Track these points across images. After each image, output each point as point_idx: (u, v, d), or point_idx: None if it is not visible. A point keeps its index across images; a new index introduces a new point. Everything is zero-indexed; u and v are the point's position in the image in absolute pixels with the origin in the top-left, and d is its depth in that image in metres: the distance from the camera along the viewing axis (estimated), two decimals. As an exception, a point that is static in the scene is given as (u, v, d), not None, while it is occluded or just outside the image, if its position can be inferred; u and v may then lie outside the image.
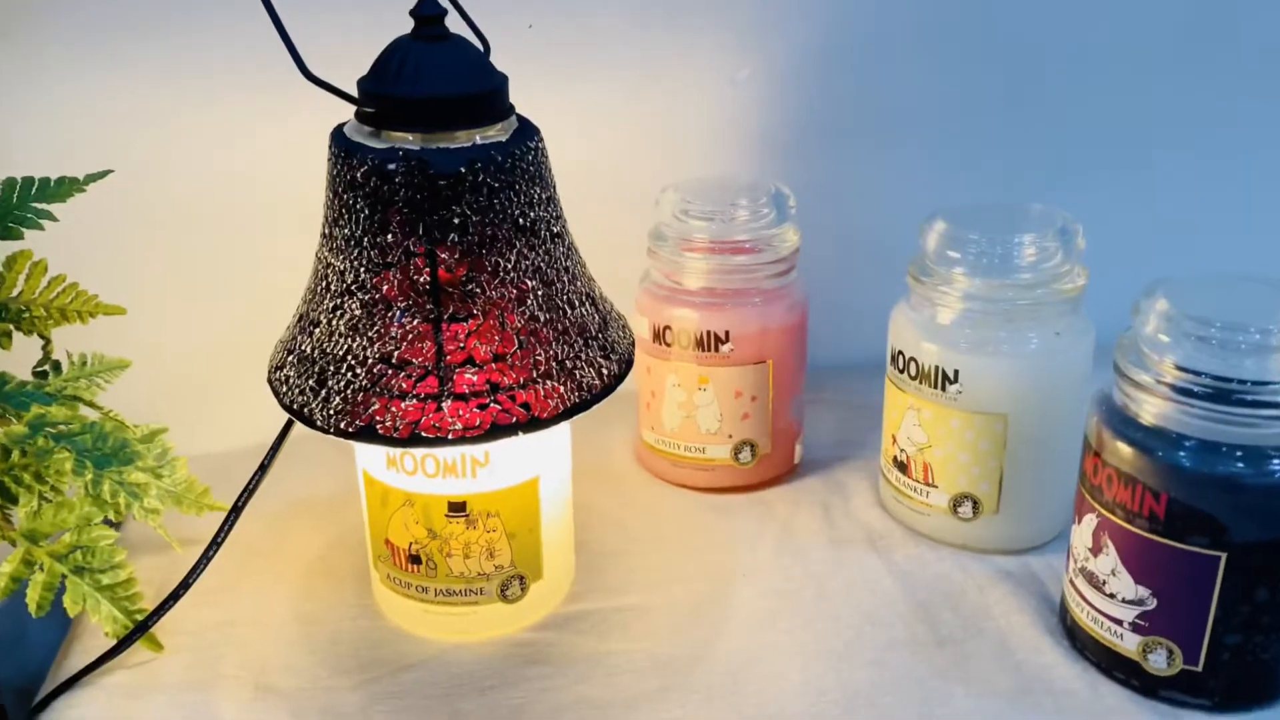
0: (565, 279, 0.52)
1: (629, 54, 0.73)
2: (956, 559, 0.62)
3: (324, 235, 0.51)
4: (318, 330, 0.50)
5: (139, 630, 0.54)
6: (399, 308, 0.48)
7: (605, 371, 0.52)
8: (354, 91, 0.49)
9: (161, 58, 0.68)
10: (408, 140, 0.48)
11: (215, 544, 0.55)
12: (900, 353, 0.62)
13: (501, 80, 0.50)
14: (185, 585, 0.55)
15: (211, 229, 0.71)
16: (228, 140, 0.70)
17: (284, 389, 0.51)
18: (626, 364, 0.54)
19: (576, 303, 0.52)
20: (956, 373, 0.59)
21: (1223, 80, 0.78)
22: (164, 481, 0.60)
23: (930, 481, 0.62)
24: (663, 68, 0.74)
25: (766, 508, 0.67)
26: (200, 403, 0.73)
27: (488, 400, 0.48)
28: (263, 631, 0.57)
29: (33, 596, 0.52)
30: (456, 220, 0.48)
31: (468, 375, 0.48)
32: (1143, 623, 0.51)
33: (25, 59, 0.67)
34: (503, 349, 0.49)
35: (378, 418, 0.48)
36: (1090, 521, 0.52)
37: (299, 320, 0.52)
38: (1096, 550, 0.52)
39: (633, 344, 0.56)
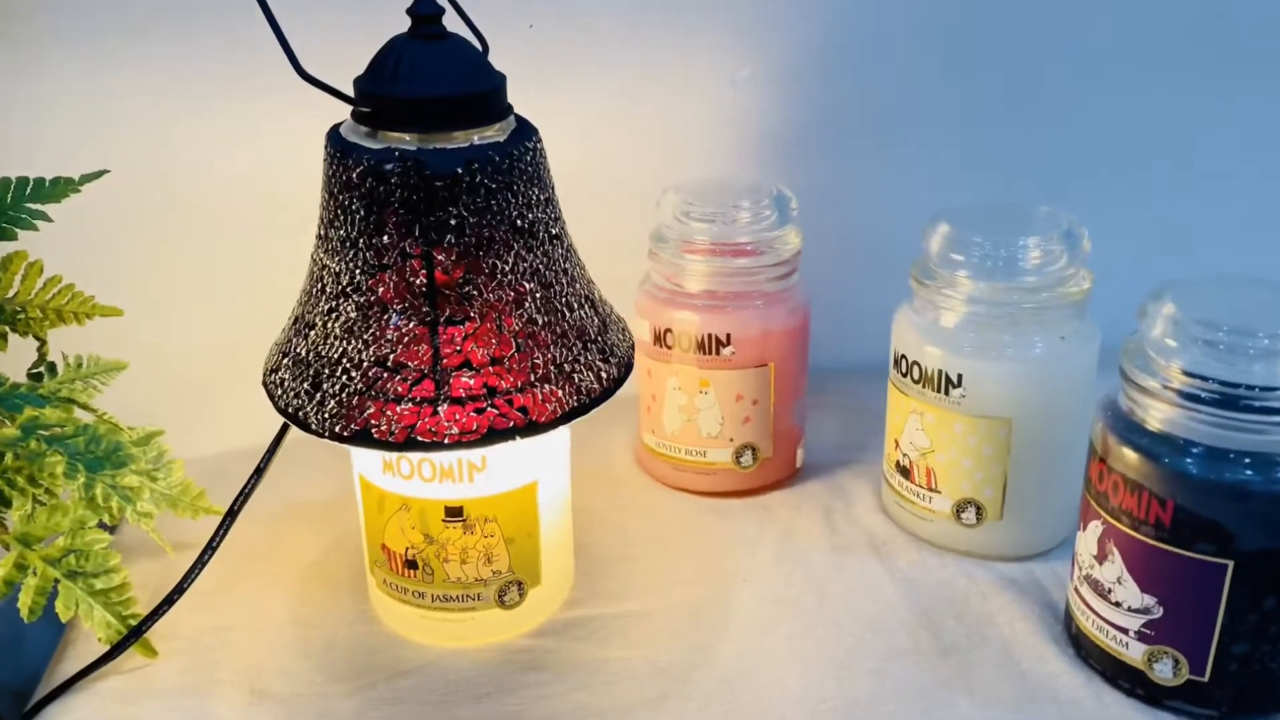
0: (564, 281, 0.51)
1: (629, 54, 0.73)
2: (960, 565, 0.61)
3: (319, 237, 0.50)
4: (313, 333, 0.50)
5: (133, 635, 0.54)
6: (395, 310, 0.48)
7: (604, 375, 0.51)
8: (350, 91, 0.49)
9: (159, 59, 0.67)
10: (404, 140, 0.47)
11: (210, 548, 0.55)
12: (903, 356, 0.61)
13: (499, 80, 0.50)
14: (179, 590, 0.54)
15: (210, 230, 0.71)
16: (226, 141, 0.69)
17: (279, 392, 0.50)
18: (626, 368, 0.53)
19: (575, 305, 0.51)
20: (960, 377, 0.58)
21: (1228, 81, 0.77)
22: (159, 484, 0.60)
23: (933, 487, 0.61)
24: (663, 68, 0.73)
25: (768, 512, 0.67)
26: (198, 404, 0.73)
27: (484, 404, 0.48)
28: (258, 636, 0.57)
29: (25, 601, 0.52)
30: (453, 222, 0.47)
31: (464, 379, 0.48)
32: (1148, 631, 0.50)
33: (24, 60, 0.66)
34: (500, 352, 0.48)
35: (373, 422, 0.47)
36: (1095, 528, 0.51)
37: (294, 323, 0.51)
38: (1102, 557, 0.51)
39: (632, 347, 0.55)
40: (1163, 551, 0.48)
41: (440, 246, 0.47)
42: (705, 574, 0.61)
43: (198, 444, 0.68)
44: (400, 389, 0.47)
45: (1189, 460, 0.47)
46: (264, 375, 0.52)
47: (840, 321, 0.74)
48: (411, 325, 0.47)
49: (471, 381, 0.48)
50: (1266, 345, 0.46)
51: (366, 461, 0.54)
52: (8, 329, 0.59)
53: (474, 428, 0.47)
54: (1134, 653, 0.51)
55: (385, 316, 0.48)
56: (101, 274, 0.63)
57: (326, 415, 0.48)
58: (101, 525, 0.54)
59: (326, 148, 0.49)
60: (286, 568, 0.62)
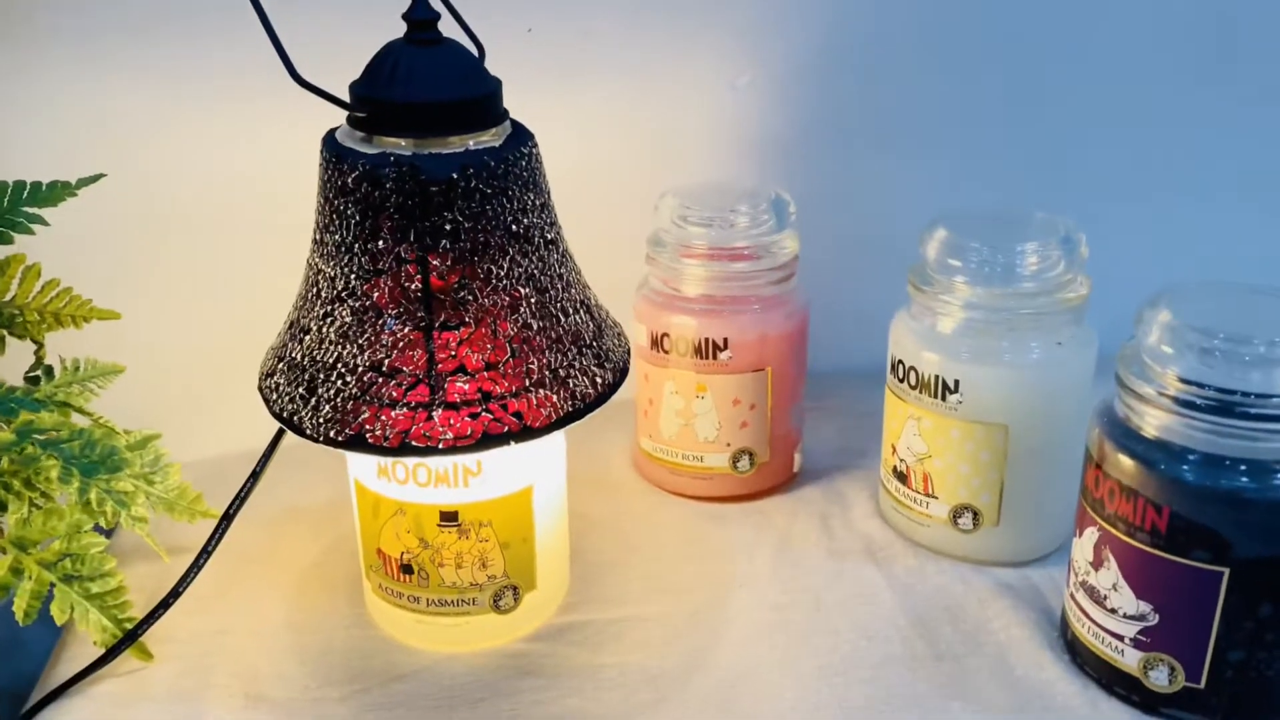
0: (559, 286, 0.51)
1: (628, 58, 0.73)
2: (956, 571, 0.61)
3: (315, 241, 0.50)
4: (308, 337, 0.50)
5: (128, 639, 0.54)
6: (390, 315, 0.48)
7: (599, 380, 0.51)
8: (346, 96, 0.49)
9: (157, 63, 0.67)
10: (400, 145, 0.47)
11: (206, 552, 0.55)
12: (900, 362, 0.61)
13: (495, 85, 0.50)
14: (175, 594, 0.54)
15: (208, 233, 0.71)
16: (225, 144, 0.69)
17: (274, 397, 0.50)
18: (621, 373, 0.53)
19: (570, 310, 0.51)
20: (957, 382, 0.58)
21: (1227, 87, 0.77)
22: (156, 488, 0.60)
23: (930, 492, 0.61)
24: (662, 72, 0.73)
25: (764, 517, 0.67)
26: (196, 407, 0.73)
27: (479, 409, 0.48)
28: (254, 640, 0.57)
29: (20, 605, 0.52)
30: (448, 227, 0.47)
31: (459, 384, 0.48)
32: (1144, 638, 0.50)
33: (23, 63, 0.66)
34: (495, 357, 0.48)
35: (367, 426, 0.47)
36: (1091, 535, 0.51)
37: (289, 327, 0.51)
38: (1098, 564, 0.51)
39: (628, 352, 0.55)
40: (1158, 558, 0.48)
41: (435, 251, 0.47)
42: (701, 579, 0.61)
43: (196, 447, 0.68)
44: (395, 394, 0.47)
45: (1185, 467, 0.47)
46: (260, 379, 0.52)
47: (840, 324, 0.74)
48: (406, 330, 0.47)
49: (466, 386, 0.48)
50: (1263, 352, 0.46)
51: (362, 466, 0.54)
52: (5, 332, 0.59)
53: (468, 433, 0.47)
54: (1130, 660, 0.51)
55: (380, 321, 0.48)
56: (99, 277, 0.63)
57: (321, 420, 0.48)
58: (98, 529, 0.54)
59: (322, 152, 0.49)
60: (283, 571, 0.62)
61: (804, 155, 0.76)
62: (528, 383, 0.49)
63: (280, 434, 0.54)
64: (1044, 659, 0.55)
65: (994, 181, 0.78)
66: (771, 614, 0.58)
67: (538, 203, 0.50)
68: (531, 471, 0.54)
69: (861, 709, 0.52)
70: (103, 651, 0.54)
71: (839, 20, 0.73)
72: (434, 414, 0.47)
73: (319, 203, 0.49)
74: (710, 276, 0.64)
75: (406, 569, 0.54)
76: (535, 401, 0.49)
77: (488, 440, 0.48)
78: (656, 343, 0.66)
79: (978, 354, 0.58)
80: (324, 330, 0.49)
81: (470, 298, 0.48)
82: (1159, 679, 0.50)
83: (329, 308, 0.49)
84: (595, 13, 0.71)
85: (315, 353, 0.49)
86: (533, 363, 0.49)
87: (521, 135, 0.50)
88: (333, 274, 0.49)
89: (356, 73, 0.49)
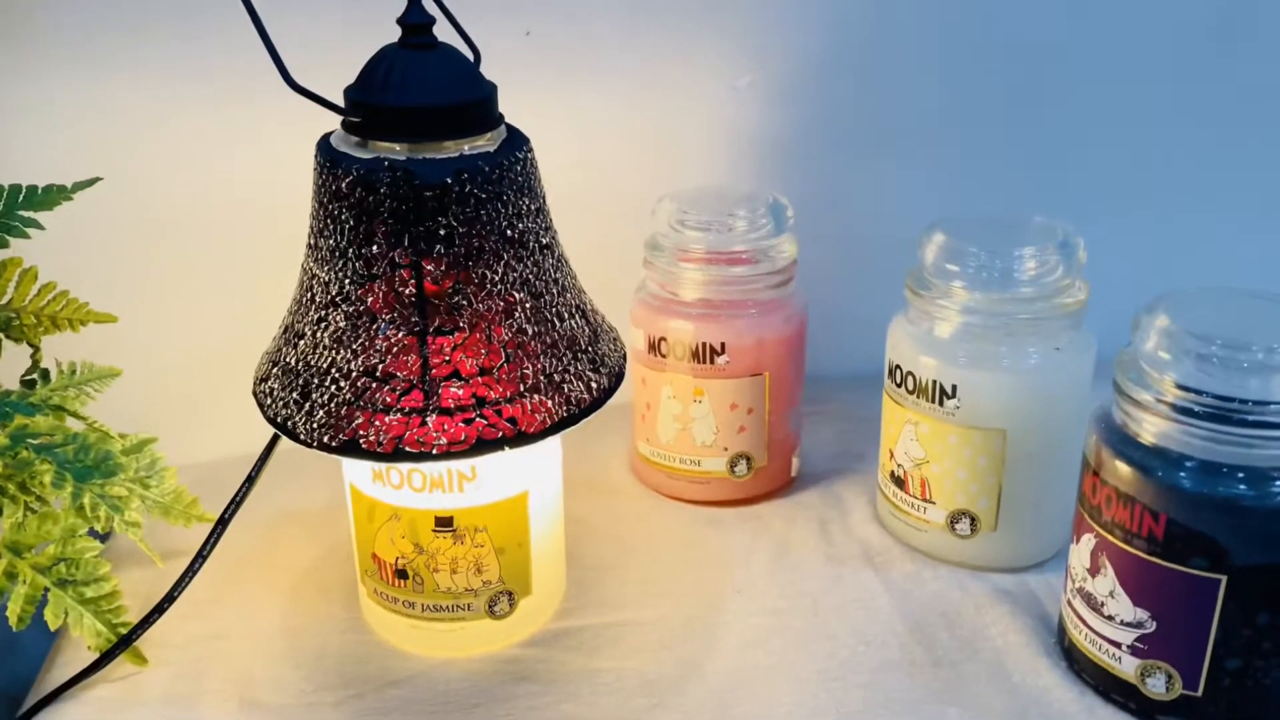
0: (554, 291, 0.51)
1: (627, 61, 0.72)
2: (954, 576, 0.61)
3: (309, 246, 0.50)
4: (302, 342, 0.49)
5: (122, 644, 0.54)
6: (384, 320, 0.47)
7: (595, 385, 0.51)
8: (341, 101, 0.49)
9: (155, 67, 0.67)
10: (394, 150, 0.47)
11: (201, 556, 0.55)
12: (898, 366, 0.61)
13: (490, 90, 0.50)
14: (170, 599, 0.54)
15: (205, 236, 0.71)
16: (222, 148, 0.69)
17: (268, 401, 0.50)
18: (617, 378, 0.53)
19: (566, 315, 0.51)
20: (955, 388, 0.58)
21: (1227, 91, 0.77)
22: (152, 492, 0.60)
23: (928, 497, 0.61)
24: (661, 75, 0.73)
25: (762, 522, 0.66)
26: (193, 411, 0.73)
27: (473, 414, 0.47)
28: (249, 645, 0.57)
29: (14, 610, 0.52)
30: (443, 232, 0.47)
31: (453, 389, 0.47)
32: (1141, 646, 0.50)
33: (21, 63, 0.66)
34: (489, 362, 0.48)
35: (361, 432, 0.47)
36: (1088, 541, 0.51)
37: (284, 332, 0.51)
38: (1095, 571, 0.51)
39: (624, 357, 0.55)
40: (1156, 566, 0.48)
41: (429, 256, 0.47)
42: (698, 584, 0.61)
43: (192, 450, 0.68)
44: (389, 399, 0.47)
45: (1182, 474, 0.47)
46: (254, 384, 0.52)
47: (839, 328, 0.74)
48: (400, 335, 0.47)
49: (460, 392, 0.47)
50: (1261, 359, 0.46)
51: (357, 471, 0.54)
52: (1, 335, 0.59)
53: (462, 438, 0.47)
54: (1127, 667, 0.50)
55: (374, 326, 0.47)
56: (96, 280, 0.63)
57: (315, 425, 0.48)
58: (93, 533, 0.54)
59: (316, 157, 0.49)
60: (279, 576, 0.62)
61: (802, 158, 0.76)
62: (522, 388, 0.49)
63: (276, 438, 0.54)
64: (1041, 665, 0.54)
65: (993, 185, 0.78)
66: (769, 619, 0.58)
67: (533, 207, 0.50)
68: (527, 477, 0.54)
69: (858, 714, 0.52)
70: (97, 656, 0.54)
71: (839, 22, 0.73)
72: (428, 419, 0.47)
73: (313, 207, 0.49)
74: (708, 280, 0.64)
75: (401, 574, 0.54)
76: (530, 407, 0.49)
77: (482, 446, 0.47)
78: (654, 347, 0.66)
79: (975, 359, 0.58)
80: (318, 335, 0.49)
81: (465, 303, 0.48)
82: (1156, 686, 0.50)
83: (323, 313, 0.49)
84: (594, 15, 0.71)
85: (309, 358, 0.49)
86: (527, 368, 0.49)
87: (517, 140, 0.50)
88: (327, 279, 0.48)
89: (352, 77, 0.49)
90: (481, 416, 0.48)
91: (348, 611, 0.59)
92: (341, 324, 0.48)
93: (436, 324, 0.47)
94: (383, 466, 0.52)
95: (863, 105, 0.76)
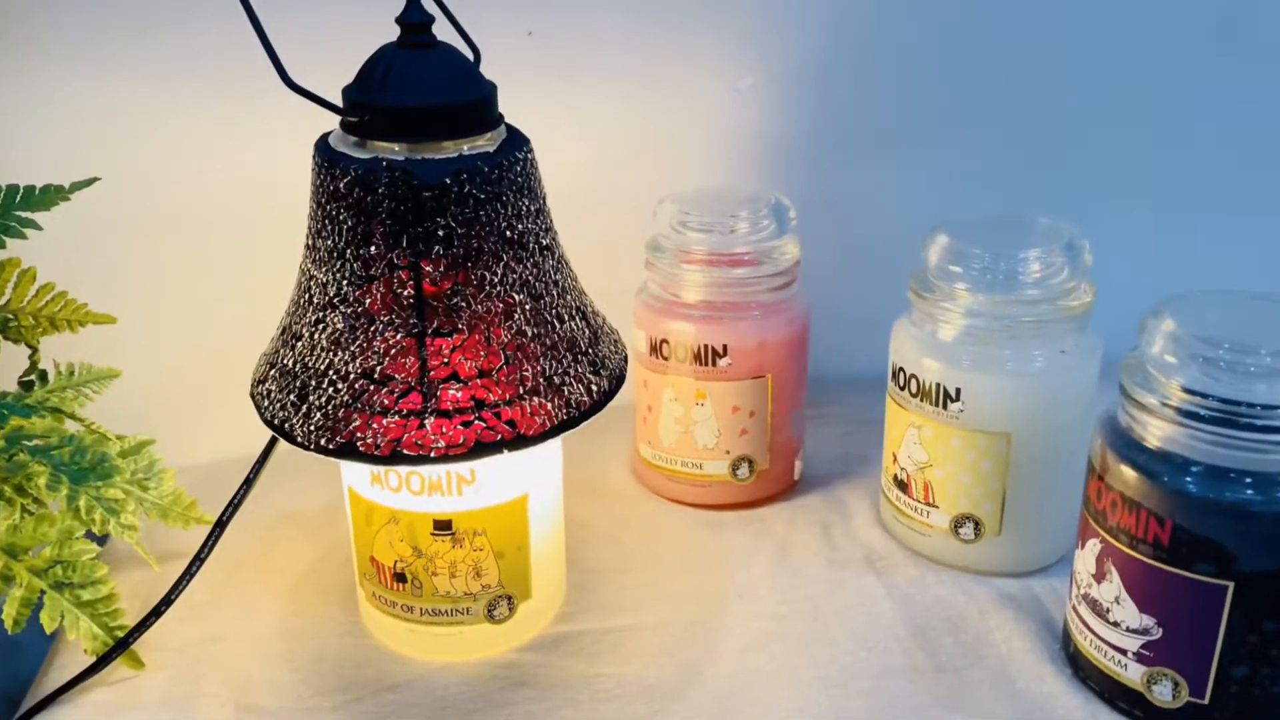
0: (554, 293, 0.50)
1: (628, 61, 0.72)
2: (958, 581, 0.60)
3: (307, 247, 0.50)
4: (299, 344, 0.49)
5: (119, 647, 0.53)
6: (382, 321, 0.47)
7: (595, 388, 0.51)
8: (339, 101, 0.48)
9: (155, 67, 0.67)
10: (393, 150, 0.47)
11: (199, 559, 0.54)
12: (901, 369, 0.60)
13: (490, 89, 0.49)
14: (167, 602, 0.54)
15: (204, 237, 0.70)
16: (221, 148, 0.69)
17: (265, 403, 0.50)
18: (617, 380, 0.52)
19: (566, 317, 0.51)
20: (958, 391, 0.58)
21: (1232, 92, 0.77)
22: (150, 494, 0.59)
23: (931, 501, 0.61)
24: (662, 75, 0.73)
25: (764, 526, 0.66)
26: (191, 412, 0.72)
27: (472, 417, 0.47)
28: (247, 648, 0.56)
29: (9, 612, 0.51)
30: (442, 232, 0.47)
31: (452, 391, 0.47)
32: (1147, 653, 0.49)
33: (20, 63, 0.66)
34: (488, 364, 0.48)
35: (359, 434, 0.47)
36: (1094, 547, 0.50)
37: (281, 333, 0.51)
38: (1100, 576, 0.50)
39: (625, 360, 0.54)
40: (1162, 571, 0.48)
41: (428, 258, 0.47)
42: (699, 589, 0.60)
43: (191, 452, 0.68)
44: (387, 401, 0.47)
45: (1188, 479, 0.46)
46: (252, 386, 0.52)
47: (842, 330, 0.74)
48: (399, 337, 0.47)
49: (459, 394, 0.47)
50: (1268, 363, 0.45)
51: (355, 473, 0.53)
52: (-1, 336, 0.59)
53: (461, 441, 0.47)
54: (1133, 674, 0.50)
55: (372, 328, 0.47)
56: (95, 281, 0.62)
57: (312, 427, 0.47)
58: (91, 535, 0.54)
59: (314, 157, 0.48)
60: (278, 578, 0.62)
61: (804, 159, 0.76)
62: (522, 390, 0.48)
63: (274, 440, 0.53)
64: (1045, 672, 0.54)
65: (997, 186, 0.77)
66: (770, 623, 0.58)
67: (533, 208, 0.50)
68: (527, 480, 0.53)
69: (860, 721, 0.51)
70: (93, 660, 0.53)
71: (841, 23, 0.73)
72: (426, 422, 0.47)
73: (311, 208, 0.49)
74: (710, 282, 0.64)
75: (400, 578, 0.54)
76: (529, 409, 0.48)
77: (480, 449, 0.47)
78: (655, 349, 0.65)
79: (979, 362, 0.57)
80: (316, 337, 0.48)
81: (464, 304, 0.47)
82: (1162, 694, 0.49)
83: (321, 314, 0.48)
84: (595, 15, 0.70)
85: (307, 359, 0.48)
86: (527, 370, 0.48)
87: (517, 140, 0.50)
88: (325, 280, 0.48)
89: (350, 76, 0.49)
90: (480, 419, 0.47)
91: (346, 615, 0.59)
92: (339, 325, 0.48)
93: (435, 325, 0.47)
94: (381, 469, 0.51)
95: (864, 106, 0.75)
